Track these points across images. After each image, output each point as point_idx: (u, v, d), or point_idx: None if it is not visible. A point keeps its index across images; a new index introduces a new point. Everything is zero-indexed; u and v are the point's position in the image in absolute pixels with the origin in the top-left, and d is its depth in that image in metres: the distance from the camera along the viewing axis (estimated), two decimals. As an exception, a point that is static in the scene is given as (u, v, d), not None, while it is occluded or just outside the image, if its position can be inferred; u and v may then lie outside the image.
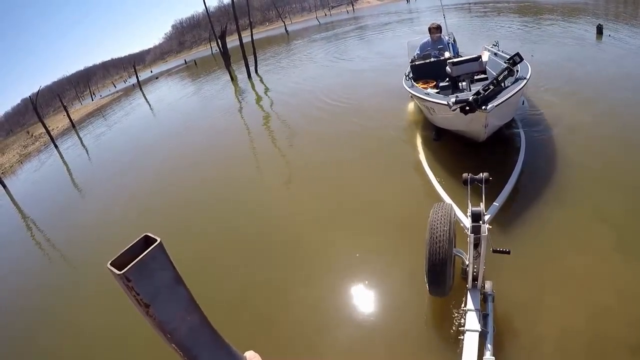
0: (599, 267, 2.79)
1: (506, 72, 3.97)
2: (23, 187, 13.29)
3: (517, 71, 4.45)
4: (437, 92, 5.30)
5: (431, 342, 2.58)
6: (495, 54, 6.25)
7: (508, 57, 4.44)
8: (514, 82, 4.20)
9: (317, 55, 18.24)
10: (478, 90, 3.68)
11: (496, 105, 3.64)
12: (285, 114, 9.84)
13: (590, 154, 4.23)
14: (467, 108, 3.62)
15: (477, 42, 10.58)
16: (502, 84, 4.03)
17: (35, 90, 22.56)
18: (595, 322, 2.42)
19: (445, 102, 4.07)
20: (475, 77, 5.45)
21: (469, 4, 23.25)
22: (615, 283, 2.64)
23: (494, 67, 5.81)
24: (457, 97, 3.97)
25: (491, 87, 3.71)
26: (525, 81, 4.23)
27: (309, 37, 30.28)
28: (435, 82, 6.08)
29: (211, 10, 21.11)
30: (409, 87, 5.63)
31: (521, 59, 4.27)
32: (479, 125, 3.94)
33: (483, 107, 3.58)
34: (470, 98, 3.60)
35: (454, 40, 7.16)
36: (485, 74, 5.72)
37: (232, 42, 19.25)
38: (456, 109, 3.75)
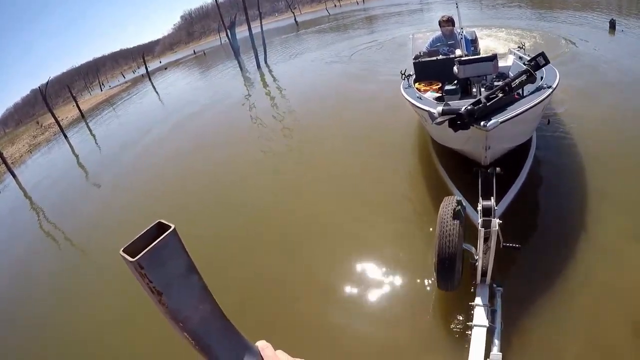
0: (614, 262, 2.76)
1: (524, 78, 3.00)
2: (33, 177, 13.43)
3: (542, 78, 3.57)
4: (439, 97, 4.59)
5: (438, 336, 2.59)
6: (521, 58, 5.15)
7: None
8: (534, 91, 3.28)
9: (327, 46, 18.09)
10: (479, 99, 2.73)
11: (501, 122, 2.64)
12: (294, 105, 9.82)
13: (603, 148, 4.18)
14: (458, 122, 2.64)
15: (485, 36, 10.45)
16: (520, 93, 3.23)
17: (45, 81, 22.73)
18: (604, 318, 2.40)
19: (428, 110, 3.23)
20: (495, 83, 4.18)
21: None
22: (635, 277, 2.61)
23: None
24: (447, 104, 2.93)
25: (499, 94, 2.79)
26: (550, 90, 3.27)
27: (318, 27, 30.06)
28: (440, 85, 4.99)
29: (220, 1, 21.02)
30: (403, 89, 4.64)
31: (547, 62, 3.20)
32: (477, 146, 2.99)
33: (482, 123, 2.59)
34: (463, 109, 2.61)
35: (476, 38, 5.83)
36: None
37: (241, 32, 19.18)
38: (442, 121, 2.75)
